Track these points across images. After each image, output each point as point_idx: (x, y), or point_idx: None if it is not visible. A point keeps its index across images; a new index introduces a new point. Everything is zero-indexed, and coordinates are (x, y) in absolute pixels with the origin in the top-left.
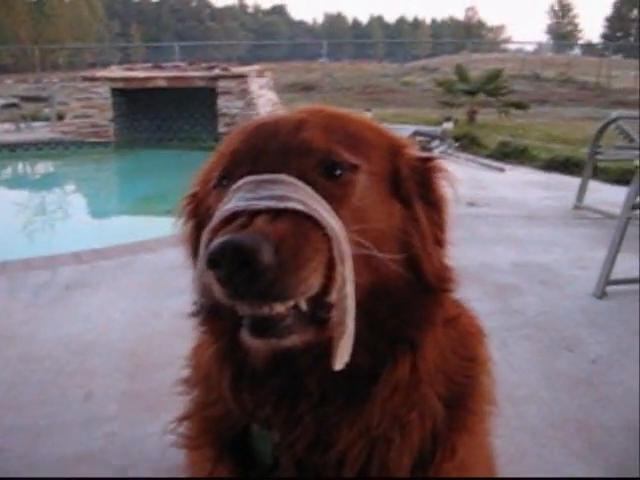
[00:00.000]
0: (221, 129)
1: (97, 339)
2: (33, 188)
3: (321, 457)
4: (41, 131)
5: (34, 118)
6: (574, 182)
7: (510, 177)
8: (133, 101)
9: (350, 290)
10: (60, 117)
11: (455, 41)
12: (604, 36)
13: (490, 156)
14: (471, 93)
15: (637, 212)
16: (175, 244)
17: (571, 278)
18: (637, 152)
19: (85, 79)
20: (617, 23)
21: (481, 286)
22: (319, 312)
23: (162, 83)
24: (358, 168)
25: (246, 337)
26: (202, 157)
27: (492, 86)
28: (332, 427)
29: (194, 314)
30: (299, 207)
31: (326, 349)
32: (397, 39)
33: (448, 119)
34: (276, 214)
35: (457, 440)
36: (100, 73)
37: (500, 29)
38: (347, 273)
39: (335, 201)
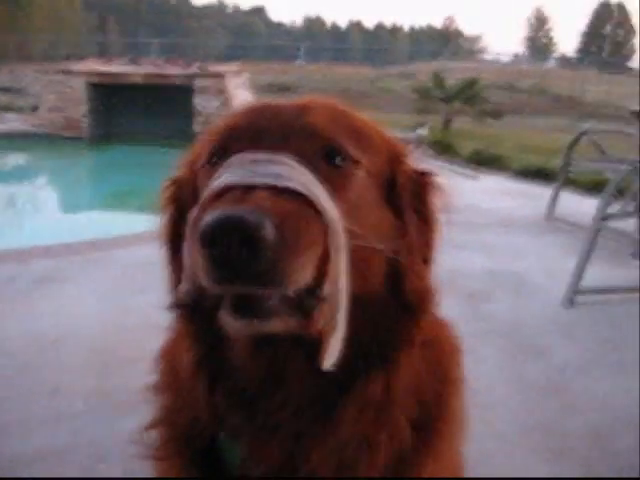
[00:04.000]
0: (195, 128)
1: (66, 334)
2: (3, 180)
3: (290, 474)
4: (13, 123)
5: (7, 109)
6: (546, 191)
7: (483, 185)
8: (108, 96)
9: (343, 285)
10: (34, 109)
11: (433, 50)
12: (579, 51)
13: (464, 163)
14: (447, 100)
15: (607, 223)
16: (147, 240)
17: (541, 286)
18: (608, 165)
19: (60, 72)
20: (591, 39)
21: (452, 292)
22: (305, 301)
23: (138, 79)
24: (359, 163)
25: (227, 319)
26: (175, 155)
27: (468, 94)
28: (305, 443)
29: (172, 306)
30: (299, 188)
31: (309, 348)
32: (375, 45)
33: (422, 125)
34: (273, 194)
35: (423, 463)
36: (76, 66)
37: (477, 39)
38: (342, 267)
39: (334, 190)
